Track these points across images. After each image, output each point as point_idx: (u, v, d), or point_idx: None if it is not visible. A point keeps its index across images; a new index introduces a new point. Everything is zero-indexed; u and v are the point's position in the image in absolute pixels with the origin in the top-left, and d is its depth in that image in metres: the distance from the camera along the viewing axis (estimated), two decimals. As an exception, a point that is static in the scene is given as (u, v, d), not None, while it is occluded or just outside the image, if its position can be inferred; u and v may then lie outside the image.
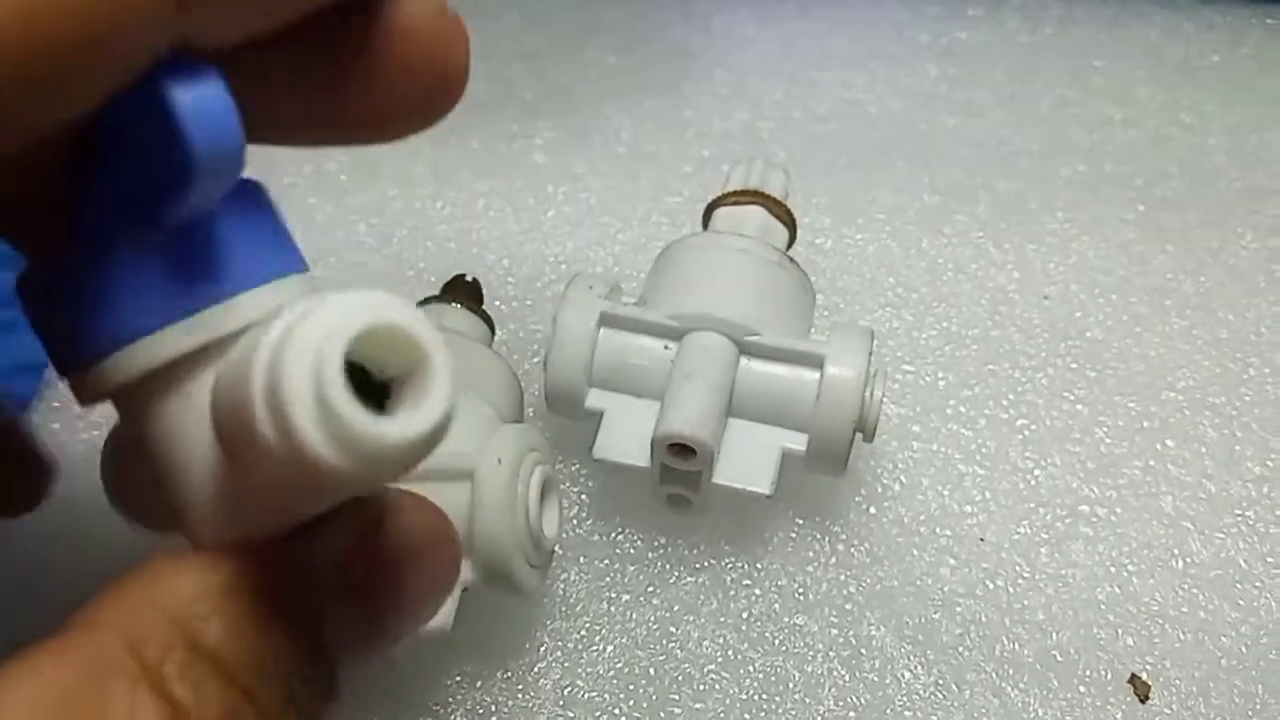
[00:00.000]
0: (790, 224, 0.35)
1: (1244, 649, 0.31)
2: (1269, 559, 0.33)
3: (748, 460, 0.30)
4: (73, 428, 0.35)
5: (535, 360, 0.37)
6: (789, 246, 0.35)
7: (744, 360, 0.30)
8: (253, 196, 0.18)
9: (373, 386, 0.15)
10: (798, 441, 0.30)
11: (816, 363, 0.30)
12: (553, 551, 0.29)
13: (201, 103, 0.14)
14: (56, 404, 0.36)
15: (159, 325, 0.16)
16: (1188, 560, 0.33)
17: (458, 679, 0.30)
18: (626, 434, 0.30)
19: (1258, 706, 0.30)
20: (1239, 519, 0.34)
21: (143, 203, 0.16)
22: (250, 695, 0.16)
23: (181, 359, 0.16)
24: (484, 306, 0.34)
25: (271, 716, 0.16)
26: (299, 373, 0.14)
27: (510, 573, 0.26)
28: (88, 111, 0.14)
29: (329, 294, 0.14)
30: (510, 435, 0.27)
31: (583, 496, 0.34)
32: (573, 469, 0.34)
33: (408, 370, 0.15)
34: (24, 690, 0.14)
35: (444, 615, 0.26)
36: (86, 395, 0.17)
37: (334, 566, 0.17)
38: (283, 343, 0.14)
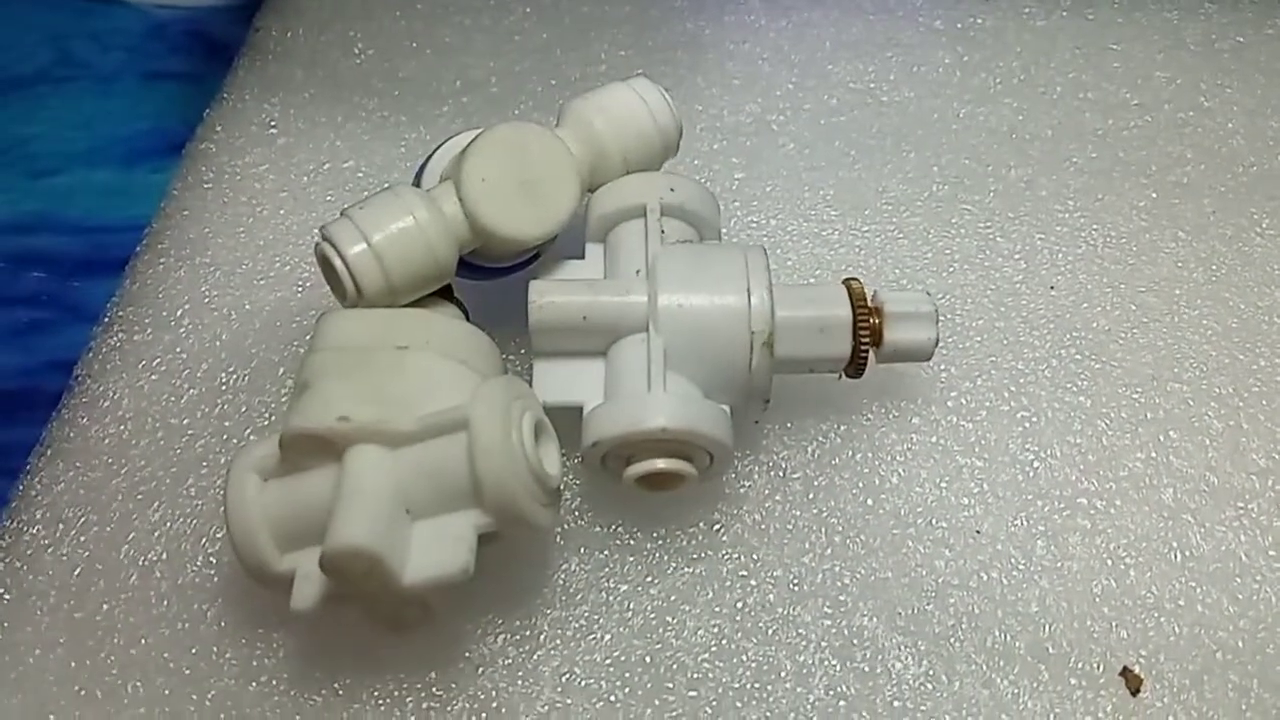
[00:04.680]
0: None
1: (1241, 643, 0.31)
2: (1271, 552, 0.33)
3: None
4: (101, 421, 0.37)
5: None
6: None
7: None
8: None
9: None
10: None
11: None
12: (559, 491, 0.30)
13: None
14: (85, 399, 0.37)
15: None
16: (1187, 553, 0.33)
17: (460, 666, 0.31)
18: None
19: (1251, 701, 0.30)
20: (1241, 511, 0.34)
21: None
22: None
23: None
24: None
25: None
26: None
27: (520, 510, 0.28)
28: None
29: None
30: (496, 384, 0.29)
31: (583, 488, 0.35)
32: (575, 462, 0.35)
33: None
34: None
35: (464, 560, 0.27)
36: None
37: None
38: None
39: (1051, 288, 0.39)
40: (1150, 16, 0.48)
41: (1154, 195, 0.42)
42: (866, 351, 0.33)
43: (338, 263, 0.31)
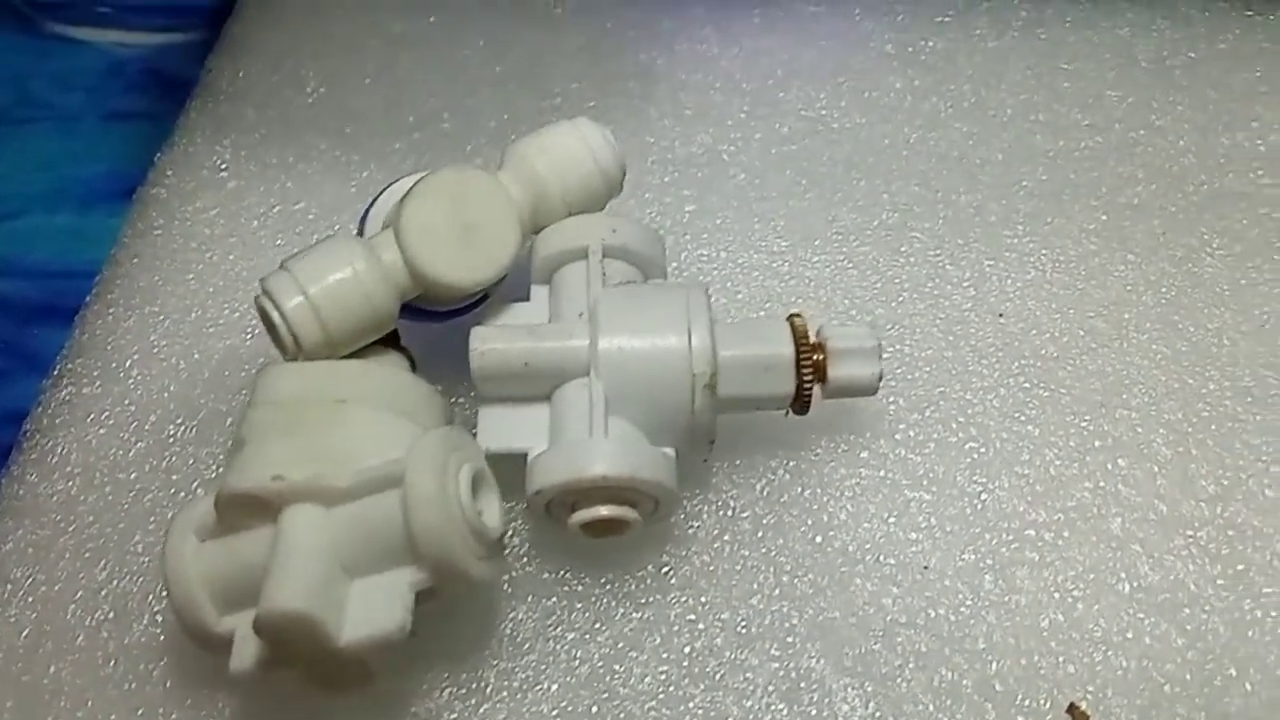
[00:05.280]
0: None
1: (1189, 675, 0.31)
2: (1219, 581, 0.33)
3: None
4: (49, 478, 0.37)
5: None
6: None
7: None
8: None
9: None
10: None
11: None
12: (501, 542, 0.30)
13: None
14: (34, 455, 0.37)
15: None
16: (1135, 584, 0.33)
17: (406, 720, 0.31)
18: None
19: (1199, 734, 0.30)
20: (1190, 540, 0.34)
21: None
22: None
23: None
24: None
25: None
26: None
27: (457, 565, 0.27)
28: None
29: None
30: (432, 437, 0.28)
31: (531, 534, 0.35)
32: (523, 507, 0.35)
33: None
34: None
35: (400, 618, 0.27)
36: None
37: None
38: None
39: (1000, 315, 0.39)
40: (1102, 35, 0.48)
41: (1104, 217, 0.41)
42: (810, 389, 0.33)
43: (275, 316, 0.31)
